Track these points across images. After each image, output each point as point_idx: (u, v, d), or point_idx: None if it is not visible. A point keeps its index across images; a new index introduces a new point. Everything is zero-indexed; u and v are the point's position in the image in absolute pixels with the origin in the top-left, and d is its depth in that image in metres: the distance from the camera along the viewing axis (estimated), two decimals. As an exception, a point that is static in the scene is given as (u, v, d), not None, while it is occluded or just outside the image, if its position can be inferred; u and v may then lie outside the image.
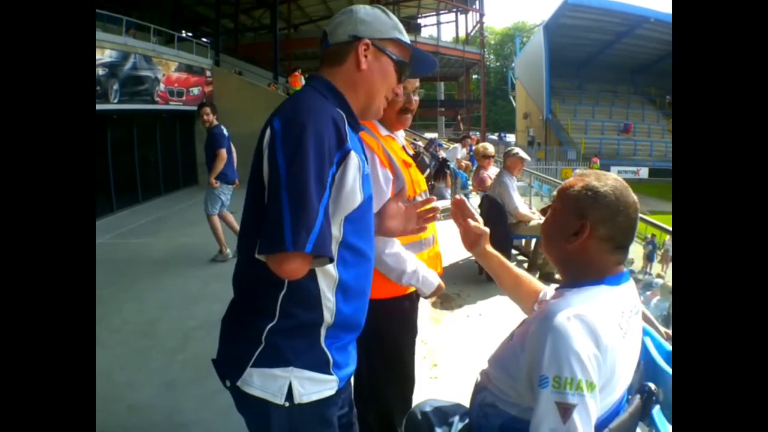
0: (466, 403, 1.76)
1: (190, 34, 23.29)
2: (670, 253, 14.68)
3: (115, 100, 11.96)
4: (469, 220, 1.88)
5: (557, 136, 36.99)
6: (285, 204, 1.22)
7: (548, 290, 1.76)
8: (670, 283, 9.20)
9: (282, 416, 1.38)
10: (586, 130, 38.21)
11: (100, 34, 11.65)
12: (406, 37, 1.56)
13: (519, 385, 1.42)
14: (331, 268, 1.39)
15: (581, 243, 1.46)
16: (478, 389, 1.65)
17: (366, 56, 1.48)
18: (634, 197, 1.48)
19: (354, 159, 1.36)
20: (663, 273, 13.44)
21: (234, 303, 1.49)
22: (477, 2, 36.12)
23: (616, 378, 1.36)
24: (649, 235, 14.34)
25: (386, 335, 2.17)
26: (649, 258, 14.54)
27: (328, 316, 1.40)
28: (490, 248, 1.89)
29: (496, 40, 72.43)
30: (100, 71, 11.38)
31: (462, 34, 37.88)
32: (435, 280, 2.21)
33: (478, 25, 36.92)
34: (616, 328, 1.35)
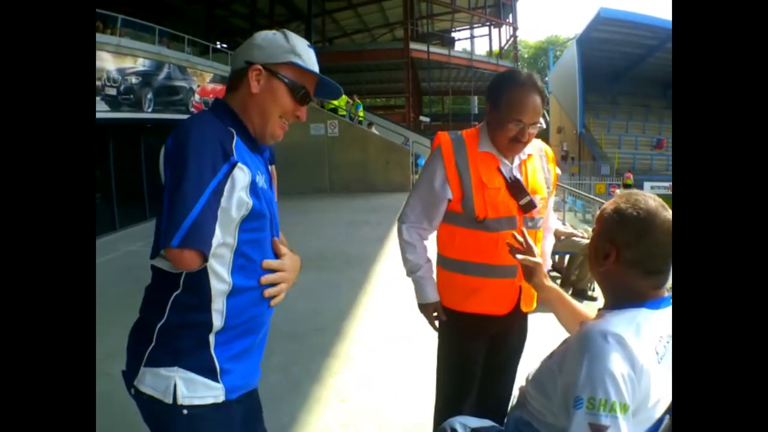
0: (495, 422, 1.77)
1: (224, 45, 23.68)
2: None
3: (149, 110, 12.13)
4: (518, 255, 1.89)
5: (591, 150, 36.61)
6: (165, 208, 1.30)
7: None
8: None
9: (176, 417, 1.39)
10: (620, 144, 37.75)
11: (132, 43, 11.86)
12: (304, 61, 1.58)
13: (555, 405, 1.42)
14: (225, 274, 1.42)
15: (610, 267, 1.46)
16: (516, 406, 1.65)
17: (258, 80, 1.53)
18: (668, 219, 1.41)
19: (240, 172, 1.39)
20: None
21: (140, 310, 1.52)
22: (510, 16, 36.10)
23: (651, 402, 1.33)
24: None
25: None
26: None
27: (218, 321, 1.42)
28: (548, 281, 1.87)
29: (530, 53, 72.35)
30: (133, 80, 11.51)
31: (495, 48, 37.84)
32: (426, 296, 2.32)
33: (512, 38, 36.82)
34: (653, 352, 1.33)
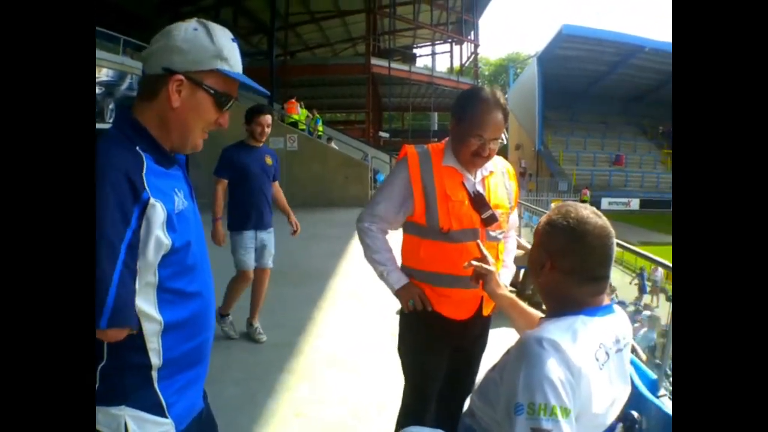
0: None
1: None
2: (659, 284, 14.85)
3: (111, 120, 11.89)
4: (473, 262, 1.95)
5: (549, 167, 37.24)
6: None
7: None
8: (657, 314, 9.21)
9: None
10: (578, 161, 38.54)
11: (96, 53, 11.66)
12: (230, 66, 1.41)
13: (498, 414, 1.43)
14: (154, 313, 1.32)
15: (547, 276, 1.49)
16: (465, 414, 1.68)
17: (179, 92, 1.36)
18: (599, 226, 1.46)
19: (155, 207, 1.27)
20: (652, 304, 13.53)
21: None
22: (472, 33, 36.59)
23: (597, 407, 1.35)
24: (640, 267, 14.45)
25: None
26: (641, 290, 14.67)
27: (156, 359, 1.35)
28: (500, 289, 1.93)
29: (491, 71, 73.68)
30: (96, 90, 11.35)
31: (456, 65, 38.32)
32: (401, 279, 2.34)
33: (473, 55, 37.33)
34: (591, 358, 1.36)
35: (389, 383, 2.26)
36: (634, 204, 34.90)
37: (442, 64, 42.28)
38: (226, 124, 1.48)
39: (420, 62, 40.72)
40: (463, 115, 2.21)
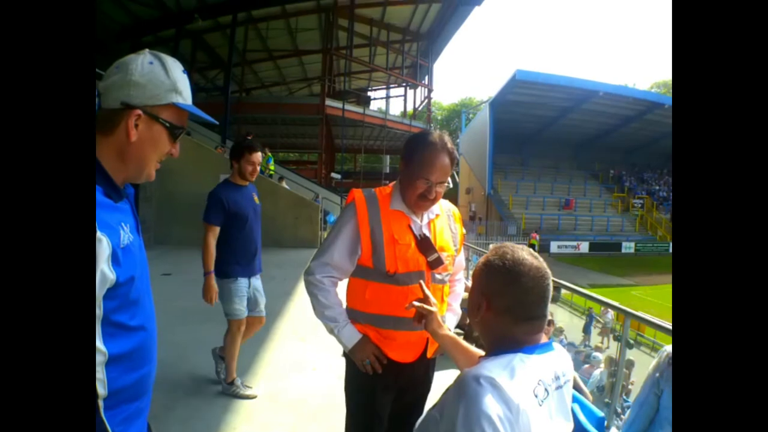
0: None
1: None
2: (608, 326, 15.10)
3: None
4: (415, 303, 2.02)
5: (498, 211, 37.86)
6: None
7: None
8: (611, 355, 9.31)
9: None
10: (527, 205, 39.38)
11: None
12: (183, 98, 1.47)
13: None
14: (99, 344, 1.32)
15: (484, 316, 1.52)
16: None
17: (137, 126, 1.40)
18: (534, 267, 1.49)
19: (101, 242, 1.27)
20: (602, 345, 13.70)
21: None
22: (426, 78, 37.31)
23: None
24: (588, 308, 14.68)
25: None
26: (585, 330, 14.89)
27: (102, 390, 1.35)
28: (442, 330, 1.98)
29: (443, 115, 75.24)
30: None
31: (410, 109, 38.89)
32: (354, 336, 2.32)
33: (426, 100, 37.99)
34: (530, 394, 1.37)
35: (334, 426, 2.21)
36: (584, 247, 35.74)
37: (395, 108, 42.96)
38: (177, 154, 1.53)
39: (374, 105, 41.35)
40: (411, 158, 2.26)
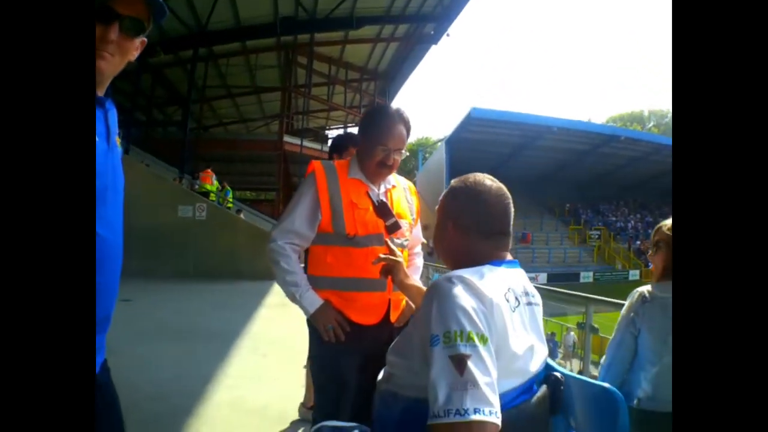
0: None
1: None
2: (571, 349, 15.27)
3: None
4: (381, 255, 2.12)
5: (457, 246, 38.02)
6: None
7: None
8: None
9: None
10: (485, 240, 39.64)
11: None
12: None
13: (415, 363, 1.42)
14: None
15: (451, 235, 1.60)
16: (381, 381, 1.65)
17: None
18: (495, 187, 1.62)
19: None
20: (565, 367, 13.79)
21: None
22: (383, 117, 37.59)
23: (515, 346, 1.36)
24: (551, 332, 14.82)
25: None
26: (550, 355, 14.99)
27: None
28: (409, 279, 2.07)
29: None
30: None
31: (368, 147, 39.00)
32: (315, 302, 2.33)
33: (384, 138, 38.26)
34: (501, 295, 1.39)
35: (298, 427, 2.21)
36: (542, 278, 36.06)
37: (354, 147, 42.99)
38: (114, 36, 1.38)
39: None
40: (369, 129, 2.40)
